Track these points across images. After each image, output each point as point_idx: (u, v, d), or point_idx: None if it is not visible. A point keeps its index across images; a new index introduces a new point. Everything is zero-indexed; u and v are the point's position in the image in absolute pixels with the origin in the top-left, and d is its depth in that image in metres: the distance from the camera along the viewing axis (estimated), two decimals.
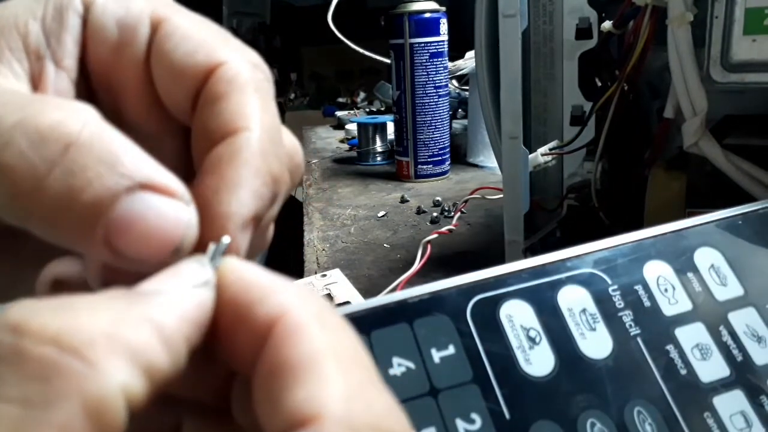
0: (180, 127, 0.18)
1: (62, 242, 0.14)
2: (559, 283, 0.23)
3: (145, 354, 0.11)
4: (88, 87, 0.18)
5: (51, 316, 0.10)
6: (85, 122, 0.13)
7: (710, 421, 0.21)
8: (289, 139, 0.18)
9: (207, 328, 0.13)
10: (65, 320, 0.10)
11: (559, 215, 0.55)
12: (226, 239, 0.14)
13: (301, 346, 0.12)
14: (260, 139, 0.16)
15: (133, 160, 0.13)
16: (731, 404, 0.22)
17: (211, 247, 0.14)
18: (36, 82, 0.17)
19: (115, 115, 0.18)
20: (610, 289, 0.23)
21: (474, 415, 0.20)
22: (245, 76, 0.16)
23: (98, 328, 0.11)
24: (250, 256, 0.16)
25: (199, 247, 0.14)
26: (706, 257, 0.25)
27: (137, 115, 0.18)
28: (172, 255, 0.14)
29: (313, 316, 0.13)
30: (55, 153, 0.12)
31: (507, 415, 0.20)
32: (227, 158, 0.15)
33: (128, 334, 0.11)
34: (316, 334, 0.12)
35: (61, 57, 0.17)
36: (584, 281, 0.23)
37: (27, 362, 0.10)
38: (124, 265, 0.13)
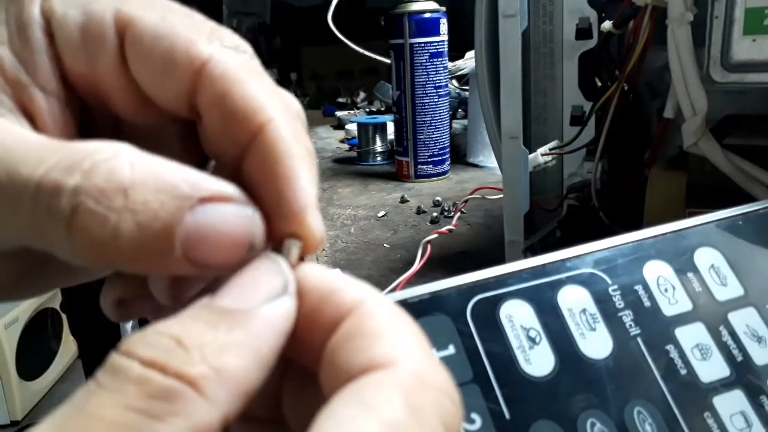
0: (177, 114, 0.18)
1: (149, 271, 0.15)
2: (559, 283, 0.23)
3: (246, 381, 0.13)
4: (77, 98, 0.17)
5: (171, 355, 0.12)
6: (131, 163, 0.14)
7: (710, 421, 0.21)
8: (285, 97, 0.18)
9: (290, 332, 0.14)
10: (183, 358, 0.12)
11: (559, 215, 0.55)
12: (294, 241, 0.16)
13: (383, 318, 0.14)
14: (285, 123, 0.16)
15: (184, 180, 0.14)
16: (731, 404, 0.22)
17: (291, 246, 0.15)
18: (29, 114, 0.16)
19: (111, 119, 0.18)
20: (610, 289, 0.23)
21: (474, 415, 0.20)
22: (233, 65, 0.16)
23: (210, 363, 0.12)
24: None
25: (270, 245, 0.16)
26: (706, 257, 0.25)
27: (131, 115, 0.18)
28: (248, 252, 0.15)
29: (389, 303, 0.14)
30: (118, 201, 0.13)
31: (507, 415, 0.20)
32: (271, 157, 0.16)
33: (233, 366, 0.13)
34: (394, 312, 0.14)
35: (44, 82, 0.16)
36: (584, 281, 0.23)
37: (153, 386, 0.12)
38: (210, 274, 0.14)
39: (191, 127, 0.18)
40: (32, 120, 0.16)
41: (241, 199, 0.15)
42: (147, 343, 0.13)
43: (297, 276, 0.15)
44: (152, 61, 0.16)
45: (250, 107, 0.16)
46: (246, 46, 0.17)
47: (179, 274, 0.15)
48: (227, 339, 0.13)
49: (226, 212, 0.14)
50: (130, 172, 0.14)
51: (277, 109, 0.16)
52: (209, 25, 0.17)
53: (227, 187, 0.15)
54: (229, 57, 0.16)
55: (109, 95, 0.17)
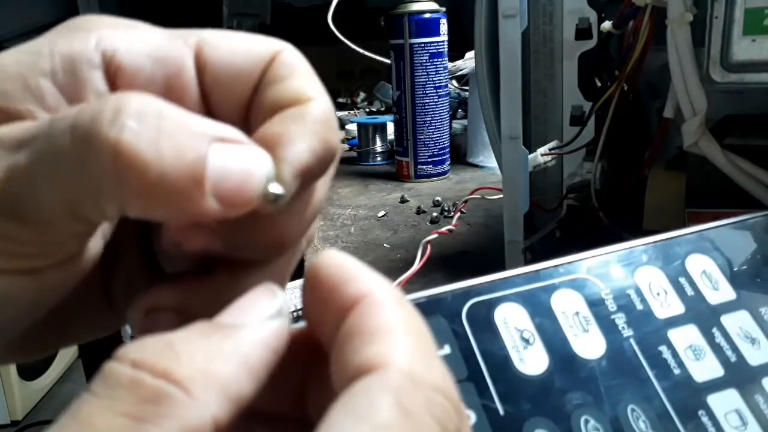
0: None
1: (180, 213, 0.14)
2: (553, 288, 0.23)
3: (234, 385, 0.13)
4: None
5: (161, 356, 0.13)
6: (155, 98, 0.14)
7: (705, 419, 0.21)
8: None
9: (283, 351, 0.15)
10: (172, 359, 0.13)
11: (558, 215, 0.55)
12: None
13: (380, 316, 0.14)
14: (324, 109, 0.17)
15: (201, 121, 0.15)
16: (726, 403, 0.22)
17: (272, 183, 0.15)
18: None
19: None
20: (602, 293, 0.23)
21: (469, 412, 0.20)
22: (303, 62, 0.18)
23: (198, 366, 0.13)
24: (298, 229, 0.18)
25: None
26: (697, 263, 0.25)
27: None
28: (266, 198, 0.15)
29: (392, 297, 0.15)
30: (154, 121, 0.14)
31: (501, 411, 0.20)
32: (292, 118, 0.17)
33: (221, 370, 0.13)
34: (393, 310, 0.14)
35: None
36: (577, 286, 0.23)
37: (142, 389, 0.12)
38: (238, 213, 0.15)
39: None
40: None
41: (248, 142, 0.15)
42: (139, 346, 0.13)
43: (313, 264, 0.16)
44: (233, 59, 0.17)
45: (304, 88, 0.17)
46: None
47: (211, 217, 0.15)
48: (217, 347, 0.14)
49: (243, 151, 0.15)
50: (157, 102, 0.14)
51: (325, 100, 0.17)
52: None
53: (236, 133, 0.15)
54: (299, 56, 0.18)
55: None
